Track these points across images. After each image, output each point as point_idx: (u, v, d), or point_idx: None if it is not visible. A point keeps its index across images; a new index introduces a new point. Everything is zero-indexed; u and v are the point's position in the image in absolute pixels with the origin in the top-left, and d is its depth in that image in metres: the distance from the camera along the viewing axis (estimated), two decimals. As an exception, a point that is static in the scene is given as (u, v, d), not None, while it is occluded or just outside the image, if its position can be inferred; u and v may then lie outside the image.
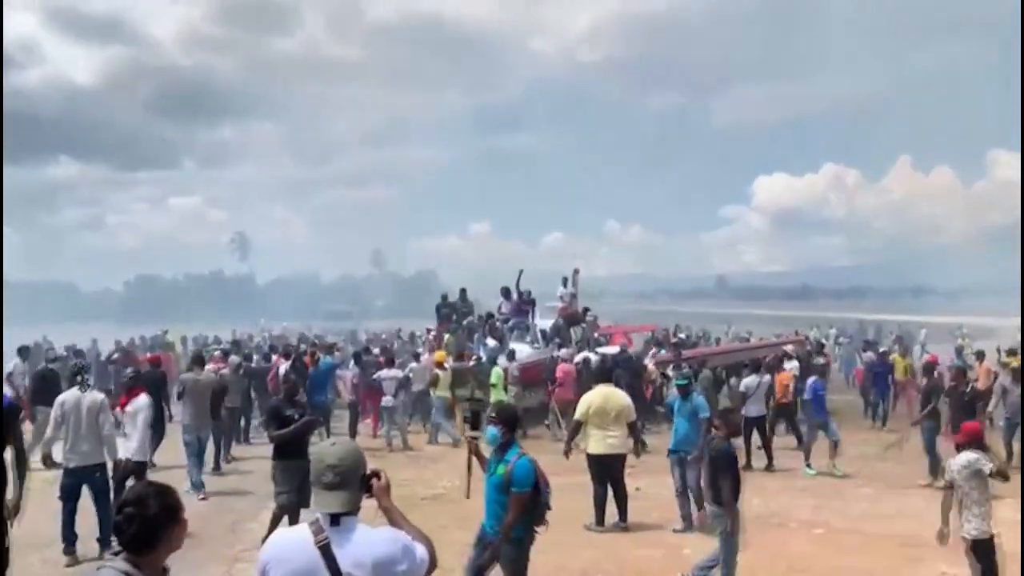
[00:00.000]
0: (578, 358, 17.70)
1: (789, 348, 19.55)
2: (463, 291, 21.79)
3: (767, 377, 14.25)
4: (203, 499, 10.81)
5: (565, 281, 23.41)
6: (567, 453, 9.68)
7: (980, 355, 18.07)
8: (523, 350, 18.44)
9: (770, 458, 13.08)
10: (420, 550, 3.04)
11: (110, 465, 8.30)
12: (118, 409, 8.99)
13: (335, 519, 2.93)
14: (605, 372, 10.84)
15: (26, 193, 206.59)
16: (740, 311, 66.65)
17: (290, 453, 8.33)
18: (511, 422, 5.92)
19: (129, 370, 10.80)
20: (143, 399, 9.00)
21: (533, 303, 20.98)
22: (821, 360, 18.44)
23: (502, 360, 16.98)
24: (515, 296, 20.85)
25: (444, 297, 22.17)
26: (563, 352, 18.20)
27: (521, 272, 21.53)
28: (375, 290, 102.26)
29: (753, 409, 13.30)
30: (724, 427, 7.37)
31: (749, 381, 13.70)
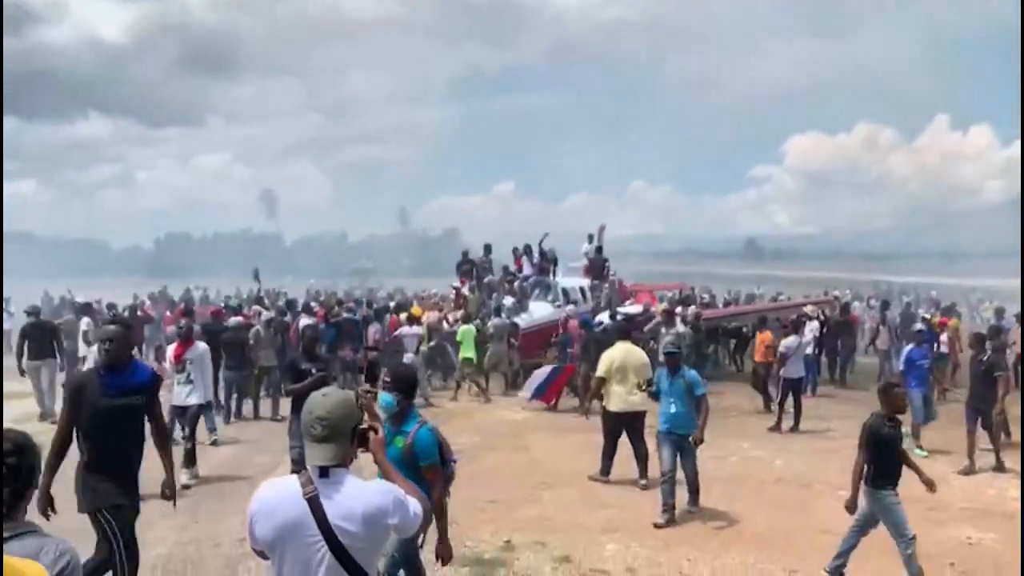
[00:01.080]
0: (600, 318, 17.46)
1: (809, 309, 18.96)
2: (487, 247, 21.47)
3: (808, 337, 13.95)
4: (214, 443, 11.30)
5: (591, 238, 23.10)
6: (587, 412, 9.61)
7: (1021, 317, 16.74)
8: (543, 309, 18.06)
9: (798, 420, 12.88)
10: (413, 504, 2.98)
11: None
12: (170, 358, 9.97)
13: (324, 471, 2.86)
14: (625, 330, 10.77)
15: (56, 149, 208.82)
16: (770, 272, 65.87)
17: None
18: (408, 387, 5.12)
19: (183, 322, 11.44)
20: (201, 346, 9.98)
21: (555, 262, 20.62)
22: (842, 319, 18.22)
23: (524, 317, 16.89)
24: (536, 255, 20.53)
25: (465, 254, 21.82)
26: (569, 309, 17.84)
27: (546, 235, 21.19)
28: (401, 248, 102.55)
29: (792, 370, 13.10)
30: (886, 405, 6.51)
31: (789, 342, 13.40)
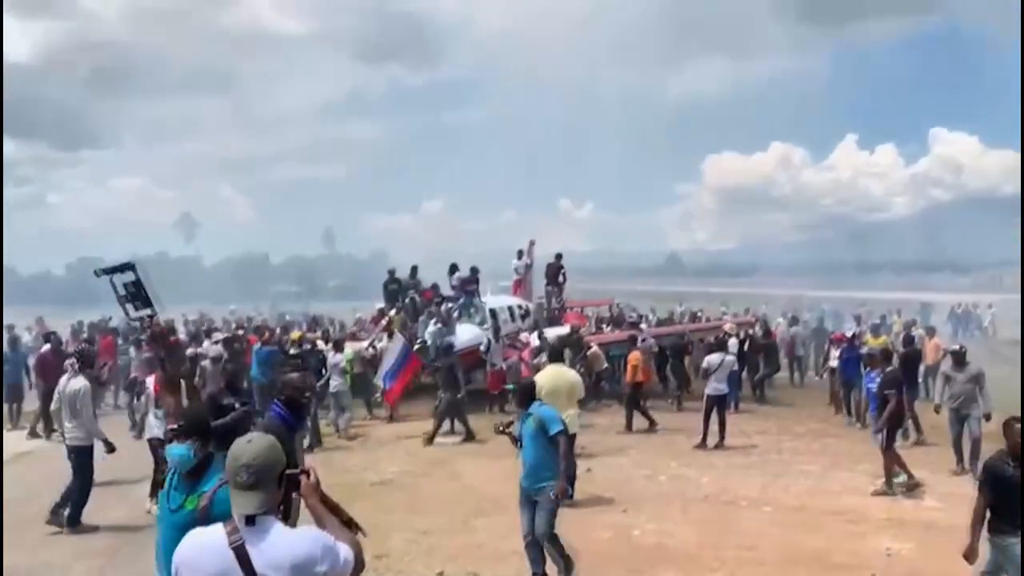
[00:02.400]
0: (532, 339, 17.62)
1: (728, 326, 19.32)
2: (414, 268, 20.76)
3: (730, 357, 14.33)
4: None
5: (520, 253, 23.21)
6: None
7: (931, 331, 17.71)
8: (469, 331, 17.67)
9: (723, 436, 13.10)
10: (344, 551, 2.91)
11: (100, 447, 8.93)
12: (150, 393, 9.81)
13: (251, 519, 2.80)
14: (556, 352, 10.81)
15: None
16: (692, 288, 67.30)
17: (230, 444, 8.08)
18: (205, 431, 4.27)
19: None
20: None
21: (477, 281, 19.85)
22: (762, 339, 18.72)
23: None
24: (460, 274, 19.86)
25: (391, 273, 20.91)
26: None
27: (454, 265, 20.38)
28: (327, 271, 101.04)
29: (715, 387, 13.31)
30: (1009, 442, 5.62)
31: (712, 358, 13.65)
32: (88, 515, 8.81)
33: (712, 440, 13.02)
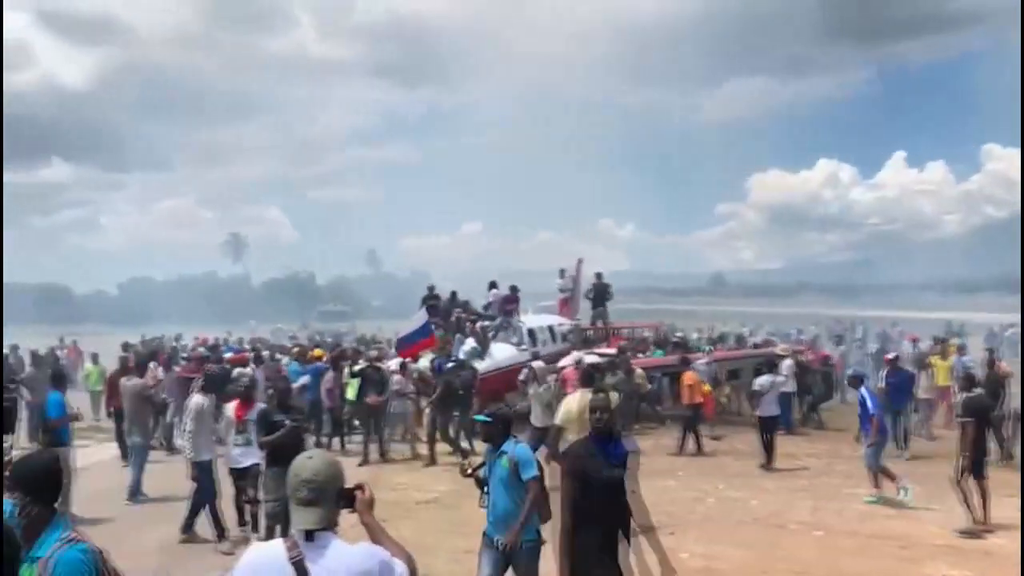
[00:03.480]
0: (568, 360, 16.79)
1: (780, 348, 18.72)
2: (453, 293, 20.46)
3: (780, 378, 13.96)
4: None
5: (562, 272, 22.55)
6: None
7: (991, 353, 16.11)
8: (506, 351, 17.14)
9: (771, 459, 12.88)
10: (400, 567, 2.95)
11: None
12: (230, 418, 9.13)
13: (310, 535, 2.85)
14: (588, 376, 10.12)
15: (20, 195, 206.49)
16: (737, 308, 66.63)
17: (282, 460, 8.18)
18: (40, 486, 3.15)
19: (245, 379, 10.93)
20: (260, 406, 9.29)
21: (516, 300, 19.28)
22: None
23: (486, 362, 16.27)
24: (497, 291, 19.29)
25: (431, 290, 20.49)
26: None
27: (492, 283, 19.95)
28: (370, 290, 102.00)
29: (767, 409, 13.10)
30: None
31: (763, 380, 13.36)
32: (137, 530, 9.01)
33: (757, 460, 12.82)
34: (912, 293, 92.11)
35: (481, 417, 6.14)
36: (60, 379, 10.61)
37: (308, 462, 2.96)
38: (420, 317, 16.63)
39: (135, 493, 11.04)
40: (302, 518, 2.87)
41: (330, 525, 2.90)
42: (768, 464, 12.81)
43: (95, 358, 20.23)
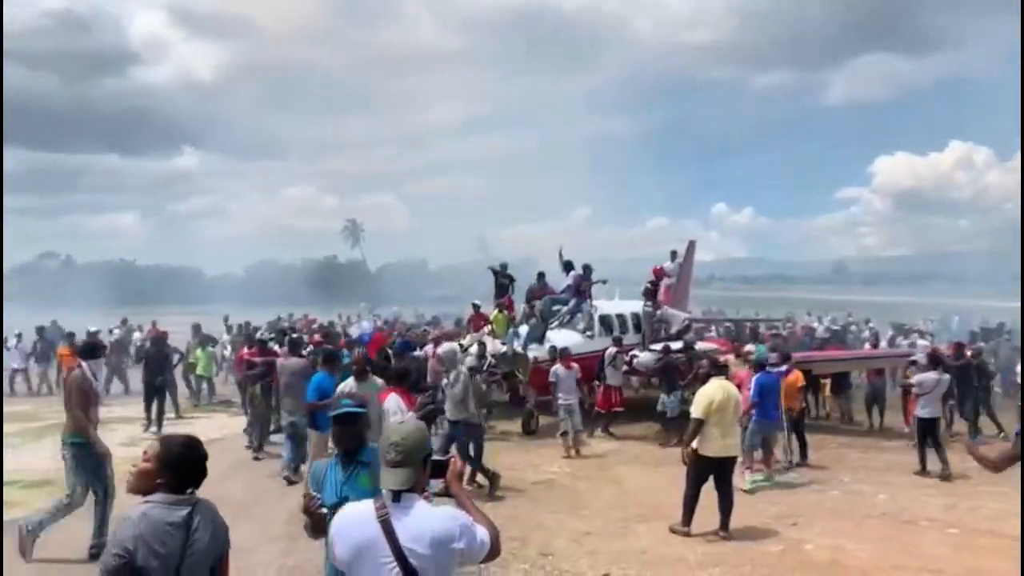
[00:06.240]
0: (644, 357, 15.74)
1: (918, 356, 15.02)
2: (540, 275, 18.14)
3: (946, 376, 12.16)
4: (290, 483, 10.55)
5: (673, 255, 21.00)
6: (685, 456, 8.71)
7: None
8: (569, 338, 15.59)
9: (946, 464, 11.47)
10: (481, 532, 3.11)
11: None
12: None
13: (396, 495, 3.04)
14: (718, 363, 9.84)
15: (155, 183, 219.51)
16: (860, 298, 63.76)
17: None
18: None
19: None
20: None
21: (589, 282, 17.21)
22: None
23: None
24: (576, 272, 17.16)
25: (504, 266, 18.61)
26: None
27: (560, 249, 17.85)
28: (480, 276, 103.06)
29: (927, 411, 11.71)
30: None
31: (924, 378, 11.89)
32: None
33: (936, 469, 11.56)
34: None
35: (348, 407, 4.23)
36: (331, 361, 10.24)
37: (398, 427, 3.21)
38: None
39: (295, 471, 10.76)
40: (390, 478, 3.06)
41: (416, 487, 3.09)
42: (945, 473, 11.36)
43: (205, 342, 19.16)
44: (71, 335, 16.76)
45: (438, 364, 12.56)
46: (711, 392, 8.61)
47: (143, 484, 3.22)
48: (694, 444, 8.56)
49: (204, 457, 3.31)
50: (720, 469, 8.56)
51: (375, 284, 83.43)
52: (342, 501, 3.79)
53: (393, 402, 7.92)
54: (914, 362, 14.56)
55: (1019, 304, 20.53)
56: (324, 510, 3.85)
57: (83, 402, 7.68)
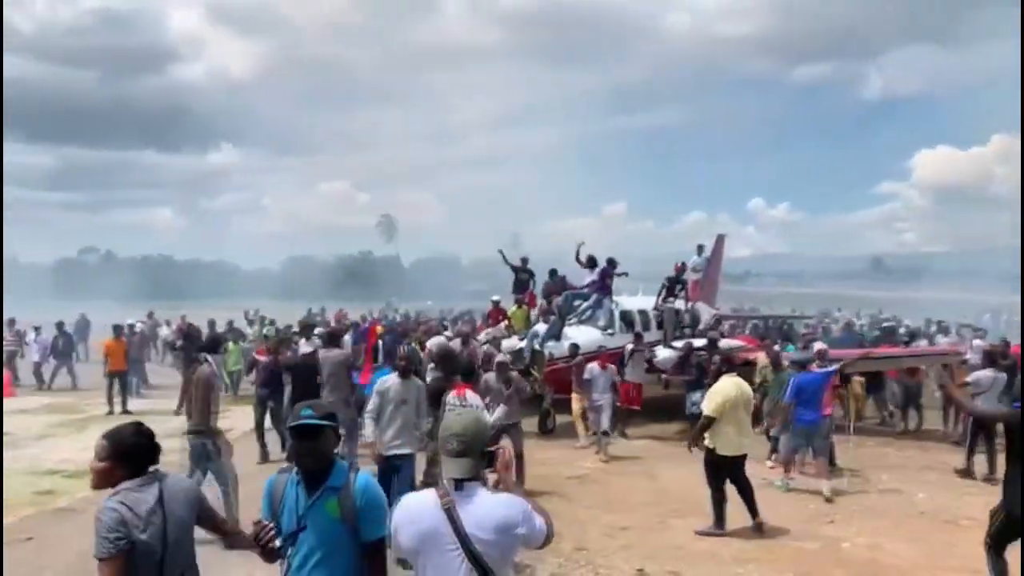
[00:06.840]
0: (664, 354, 15.40)
1: (970, 357, 14.79)
2: (552, 271, 17.80)
3: (1002, 374, 11.65)
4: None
5: (700, 249, 20.44)
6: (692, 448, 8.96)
7: None
8: (587, 335, 15.20)
9: (992, 469, 11.10)
10: (539, 520, 3.19)
11: None
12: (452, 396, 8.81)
13: (459, 484, 3.14)
14: (730, 360, 9.74)
15: (192, 179, 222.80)
16: (899, 294, 62.78)
17: None
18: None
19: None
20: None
21: (611, 276, 16.47)
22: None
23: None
24: (601, 267, 16.40)
25: (524, 261, 18.16)
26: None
27: (579, 245, 16.90)
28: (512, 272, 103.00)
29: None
30: None
31: (980, 376, 11.44)
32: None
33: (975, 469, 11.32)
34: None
35: (306, 419, 3.38)
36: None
37: (458, 419, 3.29)
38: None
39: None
40: (452, 468, 3.15)
41: (477, 476, 3.18)
42: (969, 472, 11.21)
43: (237, 336, 19.47)
44: (118, 327, 17.06)
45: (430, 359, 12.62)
46: (725, 390, 8.49)
47: (105, 482, 3.40)
48: (709, 444, 8.49)
49: (153, 437, 3.49)
50: (734, 468, 8.54)
51: (408, 279, 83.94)
52: (300, 531, 3.31)
53: (472, 397, 8.67)
54: (965, 361, 14.29)
55: None
56: (277, 543, 3.21)
57: (207, 395, 8.06)
